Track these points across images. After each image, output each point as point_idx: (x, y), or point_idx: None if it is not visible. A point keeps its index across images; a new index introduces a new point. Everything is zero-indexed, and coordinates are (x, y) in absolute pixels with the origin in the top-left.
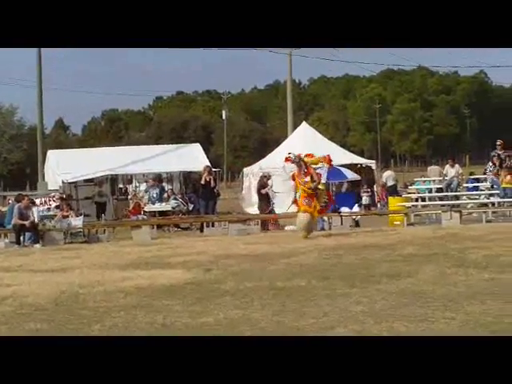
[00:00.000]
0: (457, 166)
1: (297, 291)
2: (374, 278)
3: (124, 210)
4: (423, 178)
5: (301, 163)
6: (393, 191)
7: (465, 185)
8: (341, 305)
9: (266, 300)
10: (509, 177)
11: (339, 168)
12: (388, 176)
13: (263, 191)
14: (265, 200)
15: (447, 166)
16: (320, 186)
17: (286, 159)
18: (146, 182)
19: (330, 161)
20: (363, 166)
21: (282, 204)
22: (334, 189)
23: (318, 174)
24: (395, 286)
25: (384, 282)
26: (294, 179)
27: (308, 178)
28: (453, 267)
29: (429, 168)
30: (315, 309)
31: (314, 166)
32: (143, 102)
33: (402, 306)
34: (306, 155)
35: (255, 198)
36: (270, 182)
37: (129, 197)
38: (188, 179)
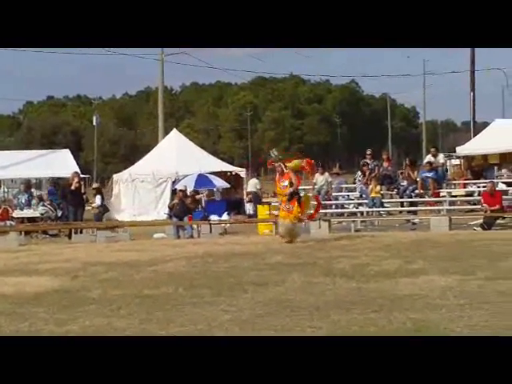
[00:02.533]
0: (326, 174)
1: (164, 299)
2: (241, 286)
3: None
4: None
5: (281, 167)
6: (255, 198)
7: (334, 193)
8: (208, 313)
9: (133, 308)
10: (378, 186)
11: (208, 175)
12: (251, 184)
13: (197, 197)
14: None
15: (317, 173)
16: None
17: (270, 163)
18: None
19: (311, 164)
20: (233, 173)
21: (149, 210)
22: (204, 197)
23: (298, 178)
24: (262, 295)
25: (251, 290)
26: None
27: (287, 182)
28: (320, 276)
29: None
30: (182, 317)
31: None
32: (13, 106)
33: (268, 314)
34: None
35: (124, 204)
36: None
37: None
38: (57, 185)
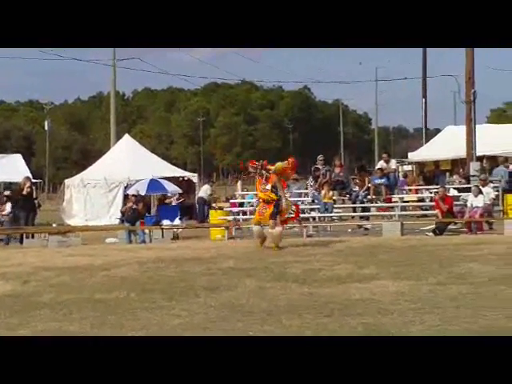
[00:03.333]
0: None
1: (116, 303)
2: (193, 291)
3: None
4: (246, 192)
5: (262, 171)
6: (200, 204)
7: (293, 199)
8: (160, 318)
9: (85, 312)
10: (330, 192)
11: (160, 180)
12: (203, 189)
13: (167, 201)
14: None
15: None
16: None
17: (251, 163)
18: None
19: (295, 165)
20: (185, 178)
21: (101, 215)
22: (155, 201)
23: (282, 181)
24: (214, 300)
25: (203, 295)
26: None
27: (269, 186)
28: (272, 281)
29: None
30: (134, 321)
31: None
32: None
33: (220, 319)
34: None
35: (76, 209)
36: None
37: None
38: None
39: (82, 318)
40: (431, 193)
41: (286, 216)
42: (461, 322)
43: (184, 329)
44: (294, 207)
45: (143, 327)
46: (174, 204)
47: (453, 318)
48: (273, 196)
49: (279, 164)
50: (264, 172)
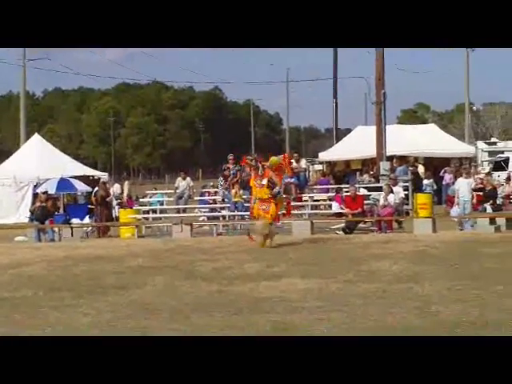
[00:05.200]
0: (188, 178)
1: (23, 302)
2: (102, 289)
3: None
4: (156, 191)
5: (258, 165)
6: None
7: (197, 198)
8: (68, 316)
9: None
10: (240, 191)
11: (70, 179)
12: (114, 188)
13: (108, 199)
14: (105, 207)
15: (179, 178)
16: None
17: (244, 160)
18: None
19: (290, 161)
20: (95, 177)
21: (10, 214)
22: (65, 200)
23: (278, 176)
24: (123, 298)
25: (112, 293)
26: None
27: (265, 181)
28: (181, 279)
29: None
30: (42, 320)
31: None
32: None
33: (129, 317)
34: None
35: None
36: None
37: None
38: None
39: None
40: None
41: (279, 213)
42: (368, 320)
43: (92, 327)
44: (285, 203)
45: (51, 325)
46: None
47: (360, 316)
48: (267, 192)
49: (274, 159)
50: (259, 166)
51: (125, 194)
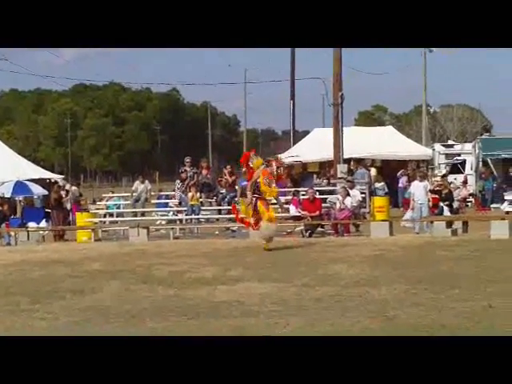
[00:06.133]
0: (146, 182)
1: None
2: (58, 293)
3: None
4: (113, 195)
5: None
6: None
7: (154, 201)
8: (24, 320)
9: None
10: (197, 194)
11: (26, 182)
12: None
13: (64, 199)
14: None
15: (137, 182)
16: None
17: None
18: None
19: (280, 161)
20: (52, 180)
21: None
22: (22, 204)
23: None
24: (79, 302)
25: (68, 298)
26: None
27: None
28: (138, 283)
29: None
30: None
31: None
32: None
33: (85, 321)
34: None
35: None
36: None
37: None
38: None
39: None
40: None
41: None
42: (325, 324)
43: (49, 331)
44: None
45: (6, 330)
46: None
47: (317, 320)
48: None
49: (259, 161)
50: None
51: (68, 198)
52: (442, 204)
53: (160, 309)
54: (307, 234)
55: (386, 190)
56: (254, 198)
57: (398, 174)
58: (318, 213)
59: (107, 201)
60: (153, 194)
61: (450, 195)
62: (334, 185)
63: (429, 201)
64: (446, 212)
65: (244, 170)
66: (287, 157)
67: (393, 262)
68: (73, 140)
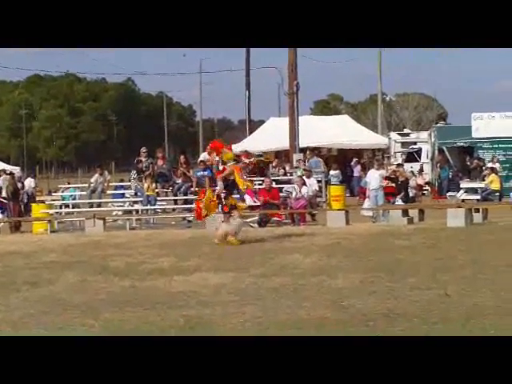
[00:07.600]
0: (106, 173)
1: None
2: (13, 285)
3: None
4: (69, 185)
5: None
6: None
7: (110, 192)
8: None
9: None
10: (153, 184)
11: None
12: (26, 182)
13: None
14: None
15: (96, 175)
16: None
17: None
18: None
19: (249, 156)
20: (7, 172)
21: None
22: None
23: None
24: (35, 294)
25: (24, 289)
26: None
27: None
28: (94, 275)
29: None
30: None
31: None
32: None
33: (41, 313)
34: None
35: None
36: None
37: None
38: None
39: None
40: (255, 184)
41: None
42: (281, 313)
43: (4, 324)
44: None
45: None
46: None
47: (273, 310)
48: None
49: (229, 154)
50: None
51: (3, 191)
52: (397, 198)
53: (116, 300)
54: (262, 223)
55: (341, 177)
56: (224, 194)
57: (352, 162)
58: (276, 202)
59: (63, 192)
60: (111, 184)
61: (406, 184)
62: (287, 174)
63: (382, 187)
64: (400, 203)
65: (204, 158)
66: (256, 155)
67: (349, 250)
68: (28, 131)
